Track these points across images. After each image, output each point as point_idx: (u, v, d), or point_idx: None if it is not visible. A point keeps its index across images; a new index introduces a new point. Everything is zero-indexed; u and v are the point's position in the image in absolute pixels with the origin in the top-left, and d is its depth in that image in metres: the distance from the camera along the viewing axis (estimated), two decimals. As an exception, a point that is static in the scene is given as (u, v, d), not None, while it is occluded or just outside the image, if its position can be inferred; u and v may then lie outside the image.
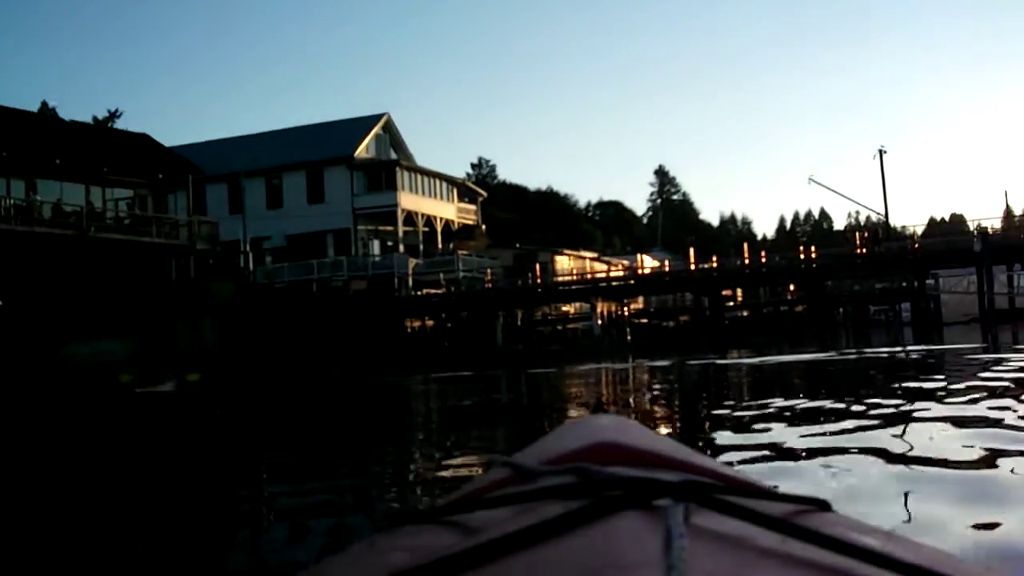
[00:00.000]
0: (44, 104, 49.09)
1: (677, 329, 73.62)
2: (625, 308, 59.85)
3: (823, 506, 0.93)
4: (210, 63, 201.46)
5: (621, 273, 63.58)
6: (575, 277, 61.28)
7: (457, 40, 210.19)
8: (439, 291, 58.88)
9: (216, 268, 55.11)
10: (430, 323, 58.40)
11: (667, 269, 59.20)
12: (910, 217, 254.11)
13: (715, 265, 54.78)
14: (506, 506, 0.91)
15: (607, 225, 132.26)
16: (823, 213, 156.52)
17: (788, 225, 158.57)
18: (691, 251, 58.21)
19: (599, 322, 54.75)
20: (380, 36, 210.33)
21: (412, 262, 63.05)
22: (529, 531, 0.73)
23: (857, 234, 60.21)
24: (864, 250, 52.47)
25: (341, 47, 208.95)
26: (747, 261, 56.14)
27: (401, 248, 65.84)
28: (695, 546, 0.67)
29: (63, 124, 48.86)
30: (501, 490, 1.04)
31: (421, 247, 68.39)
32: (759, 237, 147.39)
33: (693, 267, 55.37)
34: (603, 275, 61.27)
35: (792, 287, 63.98)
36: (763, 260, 55.68)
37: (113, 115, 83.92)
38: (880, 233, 60.44)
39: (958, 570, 0.78)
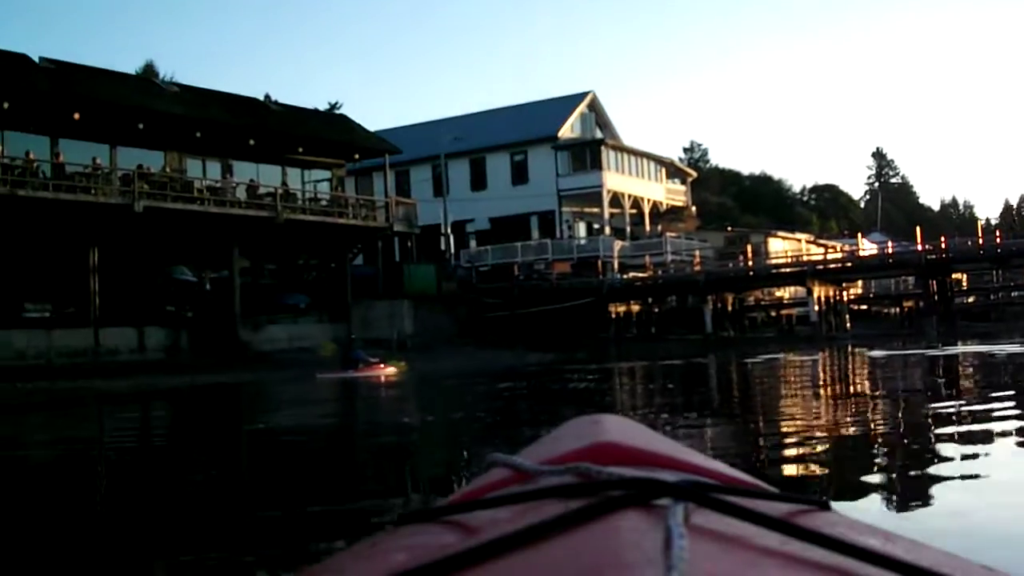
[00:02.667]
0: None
1: (900, 315, 69.40)
2: (844, 293, 56.02)
3: (823, 506, 0.94)
4: (414, 46, 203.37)
5: (839, 255, 59.65)
6: (790, 260, 57.67)
7: (668, 20, 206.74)
8: (645, 275, 56.34)
9: (415, 251, 54.16)
10: (636, 308, 56.01)
11: (890, 251, 55.01)
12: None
13: (944, 246, 50.44)
14: (506, 506, 0.91)
15: (823, 209, 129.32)
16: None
17: (1016, 207, 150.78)
18: (918, 230, 53.86)
19: (816, 308, 51.16)
20: (587, 14, 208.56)
21: (618, 244, 60.79)
22: (529, 531, 0.73)
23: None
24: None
25: (546, 25, 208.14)
26: (981, 242, 51.63)
27: (607, 230, 63.74)
28: (695, 546, 0.67)
29: (259, 105, 48.33)
30: (501, 490, 1.04)
31: (628, 229, 66.08)
32: (982, 221, 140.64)
33: (921, 248, 51.04)
34: (819, 258, 57.45)
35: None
36: (998, 241, 51.04)
37: (333, 107, 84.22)
38: None
39: (959, 570, 0.78)
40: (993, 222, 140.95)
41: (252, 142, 44.70)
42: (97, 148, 40.23)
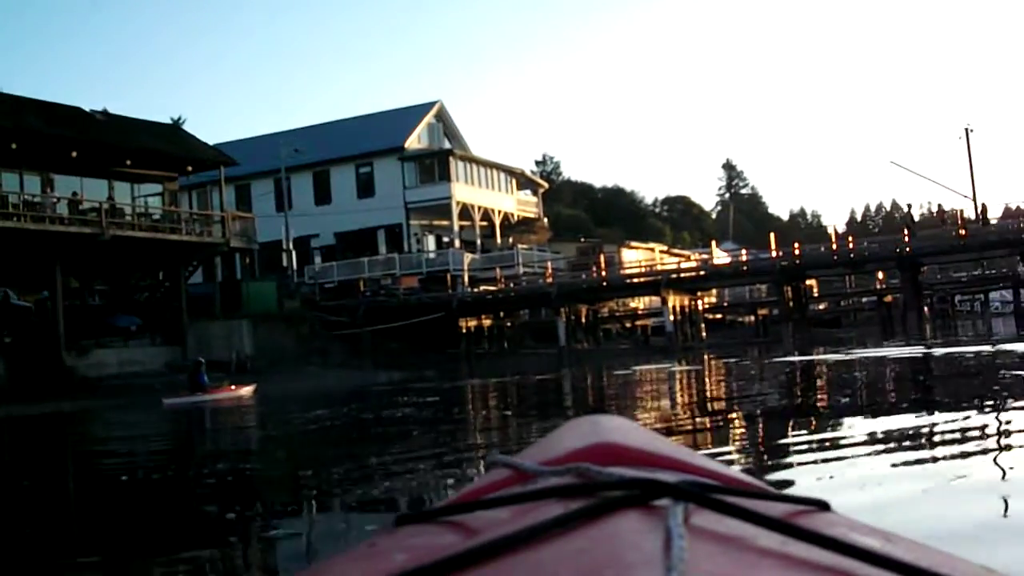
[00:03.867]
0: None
1: (756, 323, 69.26)
2: (699, 302, 55.27)
3: (823, 506, 0.94)
4: (250, 58, 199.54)
5: (694, 264, 59.01)
6: (644, 269, 56.71)
7: (515, 30, 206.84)
8: (497, 288, 54.81)
9: (257, 268, 51.64)
10: (487, 322, 54.43)
11: (744, 259, 54.40)
12: (998, 202, 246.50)
13: (798, 252, 49.95)
14: (506, 506, 0.91)
15: (675, 220, 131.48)
16: (895, 204, 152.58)
17: (859, 217, 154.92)
18: (772, 237, 53.35)
19: (671, 318, 50.17)
20: (433, 23, 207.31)
21: (468, 258, 59.24)
22: (529, 531, 0.73)
23: (958, 214, 55.11)
24: (965, 232, 47.39)
25: (391, 35, 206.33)
26: (835, 247, 51.30)
27: (457, 243, 62.07)
28: (695, 546, 0.67)
29: (81, 115, 45.11)
30: (501, 490, 1.04)
31: (479, 242, 64.56)
32: (831, 229, 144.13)
33: (775, 254, 50.43)
34: (674, 267, 56.64)
35: (881, 275, 59.19)
36: (851, 246, 50.75)
37: (177, 123, 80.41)
38: (983, 212, 55.45)
39: (957, 571, 0.78)
40: (840, 231, 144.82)
41: (75, 154, 41.75)
42: None
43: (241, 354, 43.45)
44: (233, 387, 33.32)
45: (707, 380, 21.17)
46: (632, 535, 0.72)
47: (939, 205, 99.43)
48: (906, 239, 48.01)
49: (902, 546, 0.81)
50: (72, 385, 37.48)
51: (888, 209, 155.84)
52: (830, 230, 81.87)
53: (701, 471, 1.06)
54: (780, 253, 50.49)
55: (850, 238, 54.86)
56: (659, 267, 56.67)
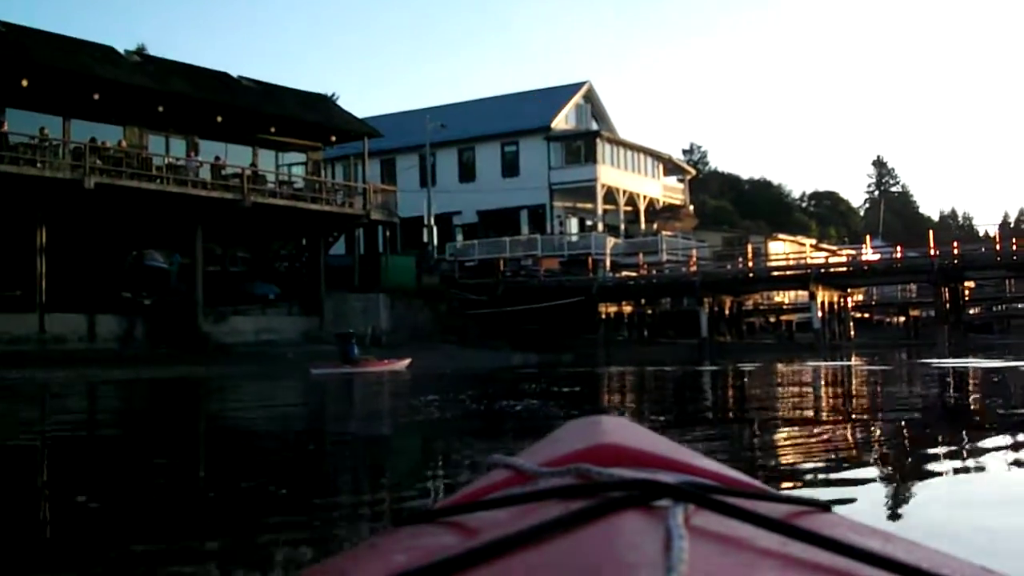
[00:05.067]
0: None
1: (907, 325, 66.46)
2: (848, 299, 53.01)
3: (823, 507, 0.94)
4: (397, 34, 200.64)
5: (844, 259, 56.70)
6: (792, 263, 54.66)
7: (670, 16, 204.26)
8: (639, 274, 53.45)
9: (400, 242, 51.25)
10: (627, 309, 53.13)
11: (899, 256, 51.94)
12: None
13: (957, 252, 47.45)
14: (506, 507, 0.91)
15: (822, 215, 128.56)
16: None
17: (1012, 221, 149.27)
18: (930, 235, 50.83)
19: (820, 314, 48.12)
20: (583, 2, 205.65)
21: (611, 242, 57.99)
22: (529, 532, 0.73)
23: None
24: None
25: (541, 12, 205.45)
26: (998, 247, 48.59)
27: (600, 227, 60.86)
28: (695, 547, 0.67)
29: (228, 80, 45.03)
30: (501, 491, 1.04)
31: (622, 226, 63.29)
32: (980, 233, 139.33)
33: (933, 253, 47.94)
34: (823, 261, 54.43)
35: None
36: (1015, 248, 47.95)
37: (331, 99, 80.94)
38: None
39: (957, 571, 0.79)
40: (991, 233, 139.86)
41: (220, 119, 41.75)
42: (48, 120, 37.25)
43: (377, 328, 43.03)
44: (387, 360, 33.46)
45: (879, 384, 19.13)
46: (632, 536, 0.72)
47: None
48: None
49: (902, 547, 0.81)
50: (207, 350, 37.49)
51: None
52: (987, 231, 78.24)
53: (702, 472, 1.05)
54: (938, 252, 47.98)
55: (1014, 240, 51.90)
56: (809, 260, 54.54)
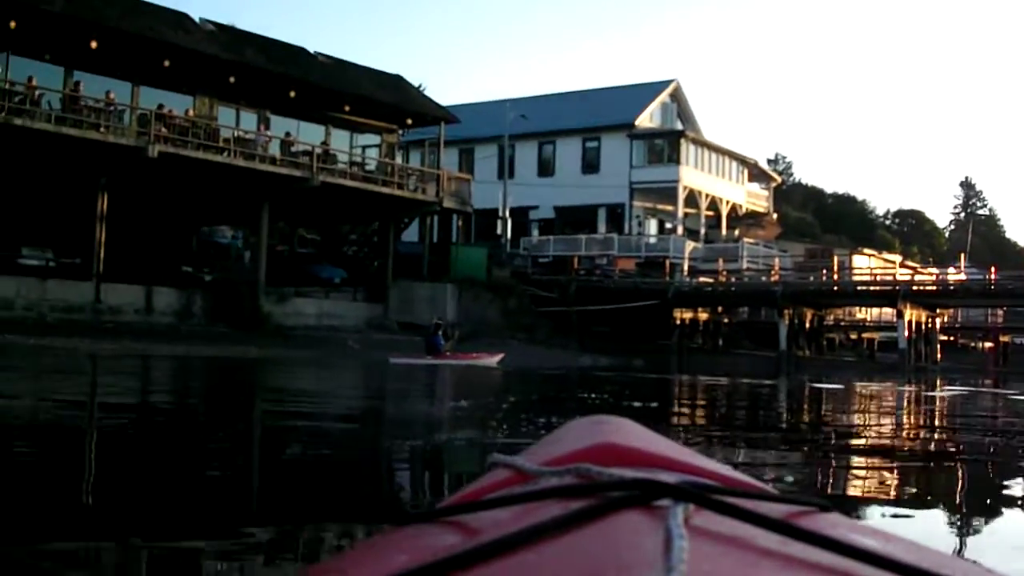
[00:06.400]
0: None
1: (996, 351, 63.50)
2: (937, 320, 50.41)
3: (823, 507, 0.94)
4: (482, 23, 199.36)
5: (933, 278, 54.17)
6: (880, 278, 52.22)
7: (760, 23, 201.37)
8: (717, 280, 51.42)
9: (473, 232, 49.70)
10: (703, 316, 51.14)
11: (994, 278, 49.42)
12: None
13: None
14: (507, 507, 0.91)
15: (905, 234, 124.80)
16: None
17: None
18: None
19: (906, 333, 45.66)
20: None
21: (690, 246, 55.97)
22: (530, 531, 0.73)
23: None
24: None
25: (629, 9, 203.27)
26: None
27: (680, 230, 58.88)
28: (695, 547, 0.67)
29: (302, 54, 43.53)
30: (502, 491, 1.04)
31: (702, 231, 61.24)
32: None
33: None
34: (913, 279, 51.97)
35: None
36: None
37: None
38: None
39: (957, 571, 0.79)
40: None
41: (293, 94, 40.47)
42: (117, 84, 36.11)
43: (443, 320, 41.55)
44: (475, 354, 32.66)
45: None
46: (632, 535, 0.73)
47: None
48: None
49: (902, 547, 0.81)
50: (266, 331, 36.25)
51: None
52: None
53: (702, 472, 1.05)
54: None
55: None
56: (899, 276, 52.07)
